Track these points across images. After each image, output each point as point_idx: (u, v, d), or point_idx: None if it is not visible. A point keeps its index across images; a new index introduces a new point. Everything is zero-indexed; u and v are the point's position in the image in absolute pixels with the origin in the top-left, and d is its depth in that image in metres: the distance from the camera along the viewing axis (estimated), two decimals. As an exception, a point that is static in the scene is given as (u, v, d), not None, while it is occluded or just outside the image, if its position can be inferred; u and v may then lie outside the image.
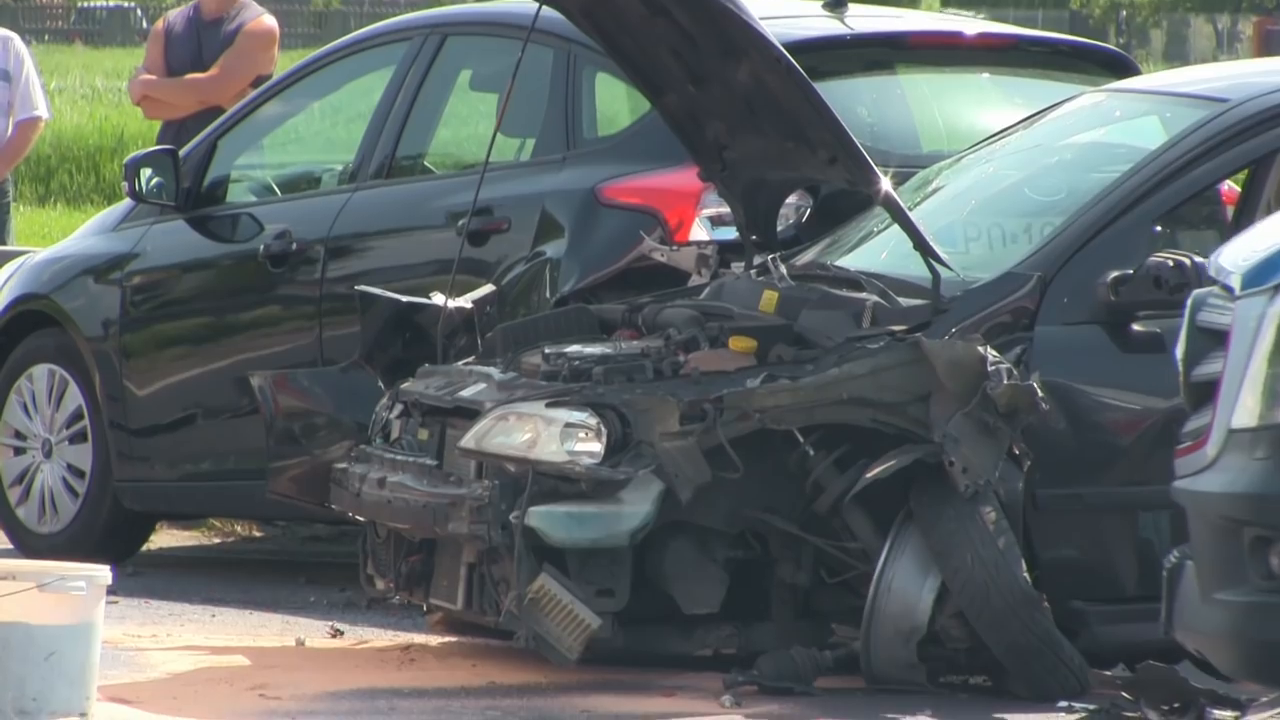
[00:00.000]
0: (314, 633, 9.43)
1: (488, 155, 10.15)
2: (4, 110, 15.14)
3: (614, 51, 9.68)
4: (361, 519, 9.04)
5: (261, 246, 11.18)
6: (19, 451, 12.53)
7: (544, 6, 9.24)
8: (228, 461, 11.25)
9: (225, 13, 14.93)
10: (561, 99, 10.74)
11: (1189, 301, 6.34)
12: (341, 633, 9.44)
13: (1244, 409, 5.61)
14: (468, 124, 12.01)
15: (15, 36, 16.02)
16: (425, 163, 11.85)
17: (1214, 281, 6.23)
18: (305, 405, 9.92)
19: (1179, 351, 6.30)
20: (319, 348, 10.95)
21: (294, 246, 11.19)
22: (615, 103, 10.92)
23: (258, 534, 12.61)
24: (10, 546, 11.92)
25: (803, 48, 9.93)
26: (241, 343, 11.19)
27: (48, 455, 12.18)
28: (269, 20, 14.95)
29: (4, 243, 14.86)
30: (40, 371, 12.68)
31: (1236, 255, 6.11)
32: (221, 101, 13.76)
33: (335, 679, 8.82)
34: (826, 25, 10.79)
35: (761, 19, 9.26)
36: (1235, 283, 5.75)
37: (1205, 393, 5.93)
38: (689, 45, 9.41)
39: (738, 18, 9.00)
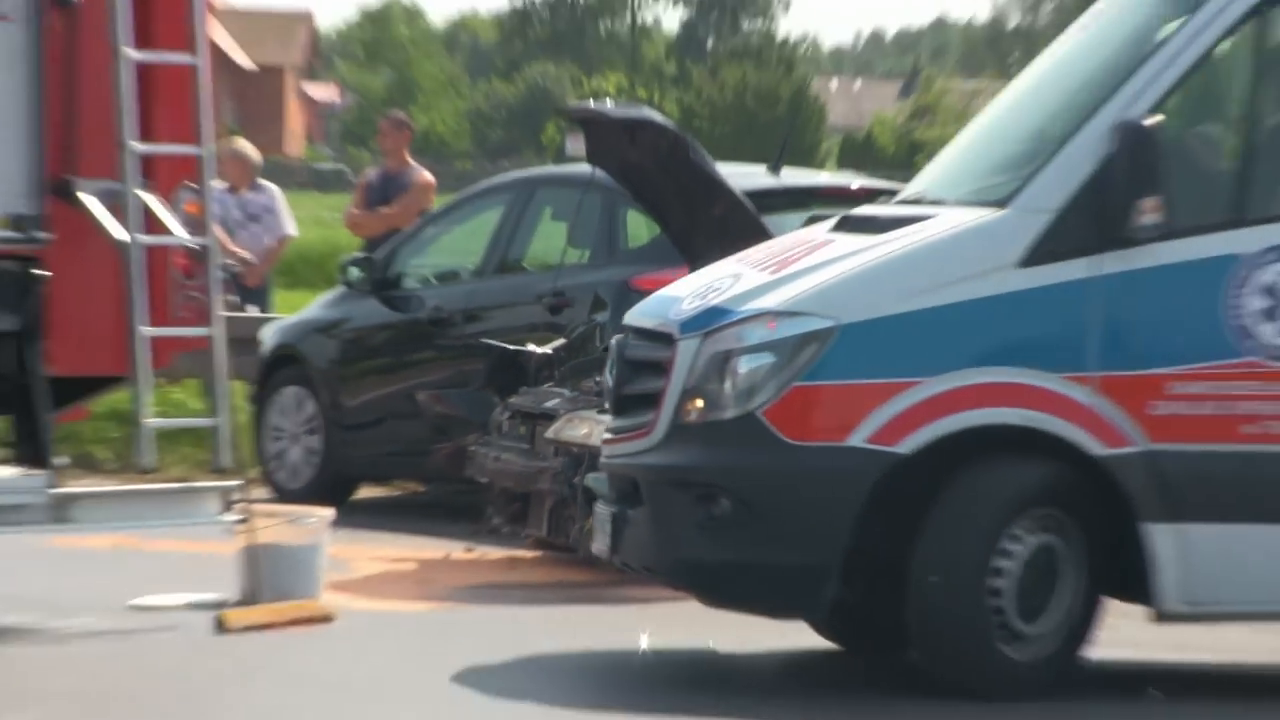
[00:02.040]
0: (456, 550, 12.40)
1: (562, 258, 13.45)
2: (270, 230, 18.27)
3: (639, 198, 12.54)
4: (485, 480, 12.09)
5: (424, 314, 14.76)
6: (277, 439, 16.30)
7: (596, 170, 12.20)
8: (403, 445, 14.58)
9: (402, 169, 18.57)
10: (607, 225, 14.18)
11: (614, 344, 8.75)
12: (473, 549, 12.45)
13: (684, 410, 7.69)
14: (549, 240, 14.77)
15: (273, 185, 20.29)
16: (523, 263, 15.42)
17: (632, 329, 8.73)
18: (450, 412, 13.45)
19: (610, 376, 8.67)
20: (459, 377, 13.98)
21: (443, 314, 14.74)
22: (639, 228, 14.23)
23: (421, 489, 15.94)
24: (272, 496, 14.80)
25: (753, 194, 12.69)
26: (411, 374, 14.78)
27: (294, 441, 16.04)
28: (429, 175, 19.12)
29: (267, 311, 17.77)
30: (289, 390, 16.44)
31: (670, 309, 8.27)
32: (400, 225, 17.32)
33: (469, 577, 11.89)
34: (768, 180, 14.09)
35: (728, 176, 12.55)
36: (675, 330, 7.91)
37: (637, 402, 8.20)
38: (685, 193, 11.79)
39: (713, 177, 11.99)
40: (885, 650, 8.57)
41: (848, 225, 8.67)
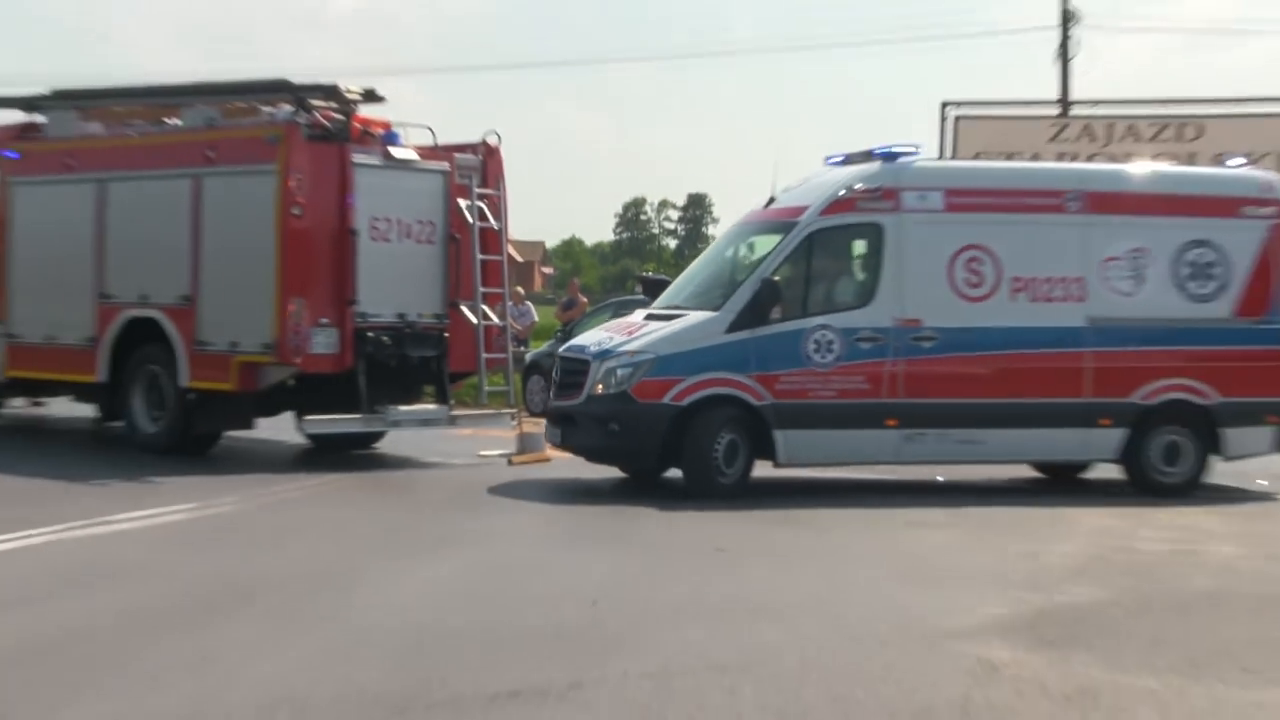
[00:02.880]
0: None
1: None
2: (527, 318, 30.34)
3: None
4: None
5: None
6: (531, 396, 26.07)
7: None
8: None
9: (574, 297, 31.44)
10: None
11: (557, 362, 17.56)
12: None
13: (594, 389, 16.02)
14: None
15: (529, 303, 33.32)
16: None
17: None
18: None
19: (556, 372, 17.29)
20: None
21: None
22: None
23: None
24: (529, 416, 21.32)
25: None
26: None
27: (538, 396, 25.53)
28: (584, 299, 30.91)
29: (526, 349, 28.98)
30: (535, 378, 26.55)
31: (585, 349, 16.78)
32: (574, 318, 29.77)
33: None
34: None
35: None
36: (590, 358, 16.23)
37: (569, 385, 16.48)
38: None
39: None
40: (686, 480, 16.14)
41: (657, 318, 16.32)
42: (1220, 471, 17.31)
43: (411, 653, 8.63)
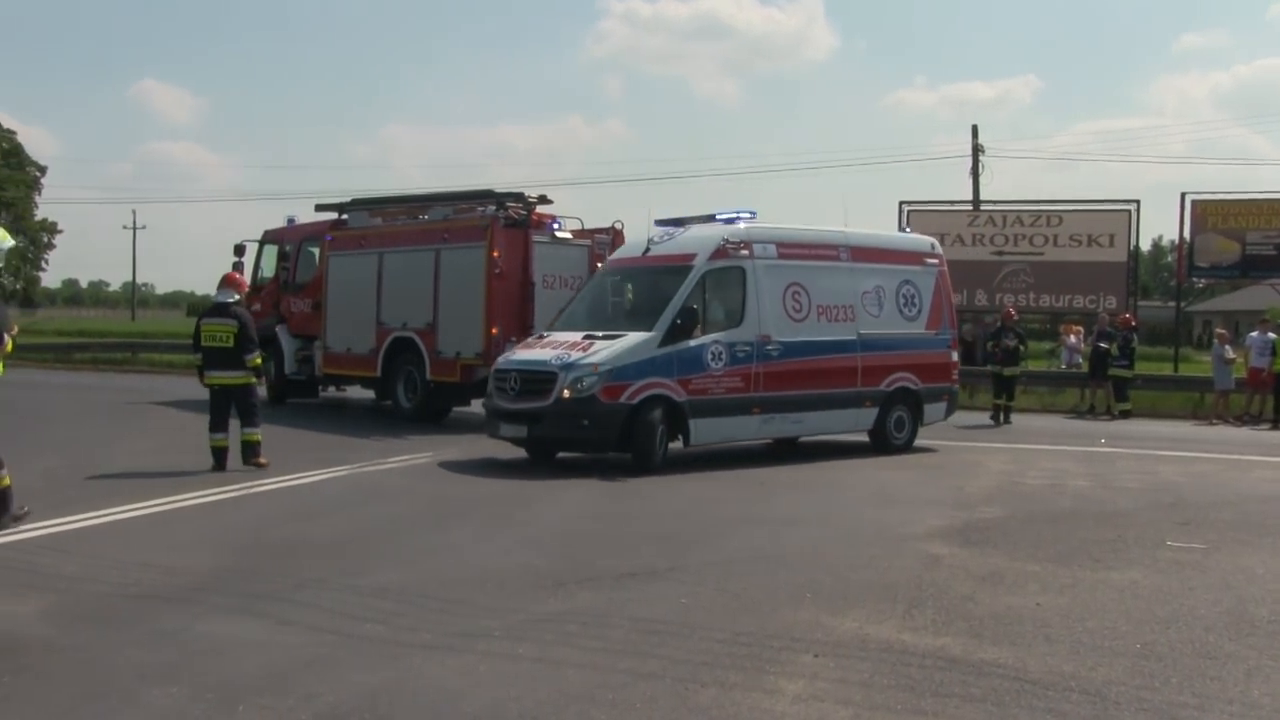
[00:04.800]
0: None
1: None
2: None
3: None
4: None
5: None
6: None
7: None
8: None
9: None
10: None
11: (511, 374, 13.52)
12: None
13: (563, 393, 12.91)
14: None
15: None
16: None
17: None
18: None
19: (513, 381, 13.44)
20: None
21: None
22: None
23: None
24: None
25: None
26: None
27: None
28: None
29: None
30: None
31: (547, 363, 13.23)
32: None
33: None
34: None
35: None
36: (558, 369, 13.01)
37: (533, 391, 13.17)
38: None
39: None
40: (634, 460, 13.39)
41: (600, 338, 13.50)
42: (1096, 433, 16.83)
43: (566, 546, 8.83)
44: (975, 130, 37.10)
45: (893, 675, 5.46)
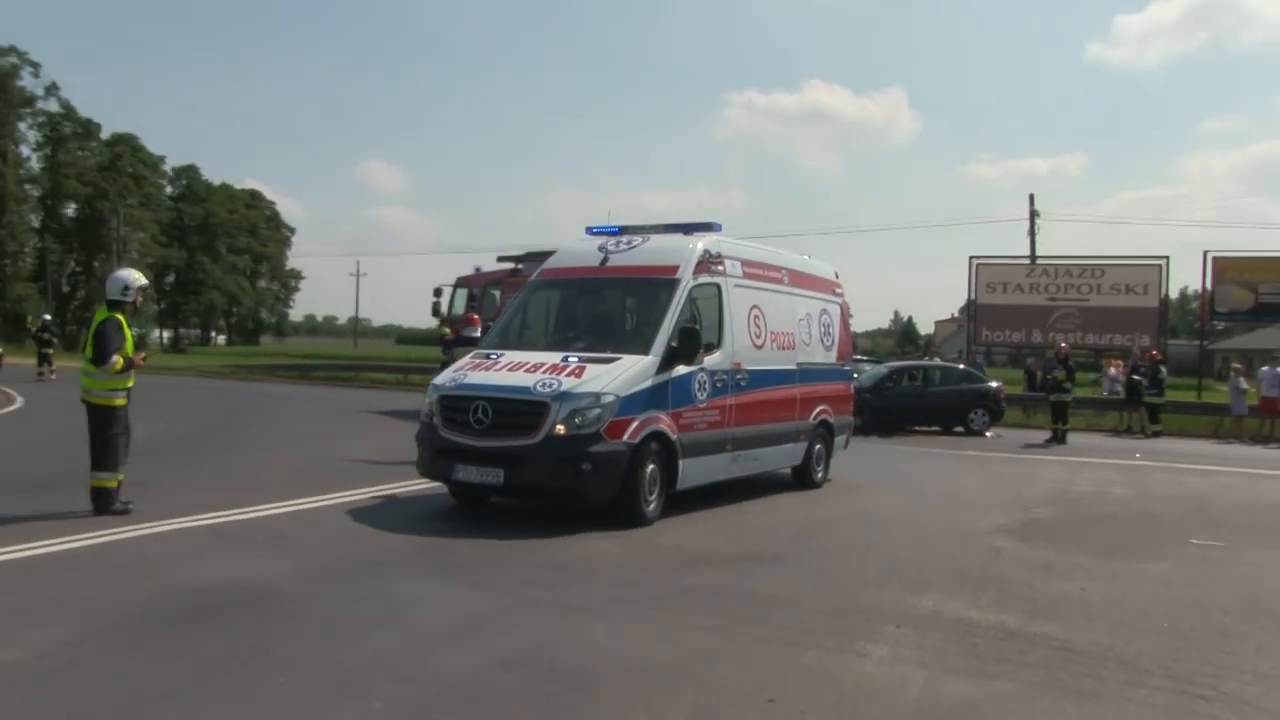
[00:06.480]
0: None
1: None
2: None
3: None
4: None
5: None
6: None
7: None
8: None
9: None
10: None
11: (482, 404, 8.49)
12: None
13: (555, 428, 8.19)
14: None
15: None
16: None
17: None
18: None
19: (485, 416, 8.48)
20: None
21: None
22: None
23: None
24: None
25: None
26: None
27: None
28: None
29: None
30: None
31: (530, 391, 8.40)
32: None
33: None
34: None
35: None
36: (547, 399, 8.26)
37: (512, 423, 8.35)
38: None
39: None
40: (615, 509, 8.52)
41: (588, 360, 8.84)
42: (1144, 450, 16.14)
43: (703, 539, 8.63)
44: (1032, 198, 36.24)
45: (961, 644, 5.36)
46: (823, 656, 5.07)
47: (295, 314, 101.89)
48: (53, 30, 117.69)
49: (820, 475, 12.14)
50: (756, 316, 10.62)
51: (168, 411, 18.40)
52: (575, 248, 10.74)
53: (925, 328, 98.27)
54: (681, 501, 9.36)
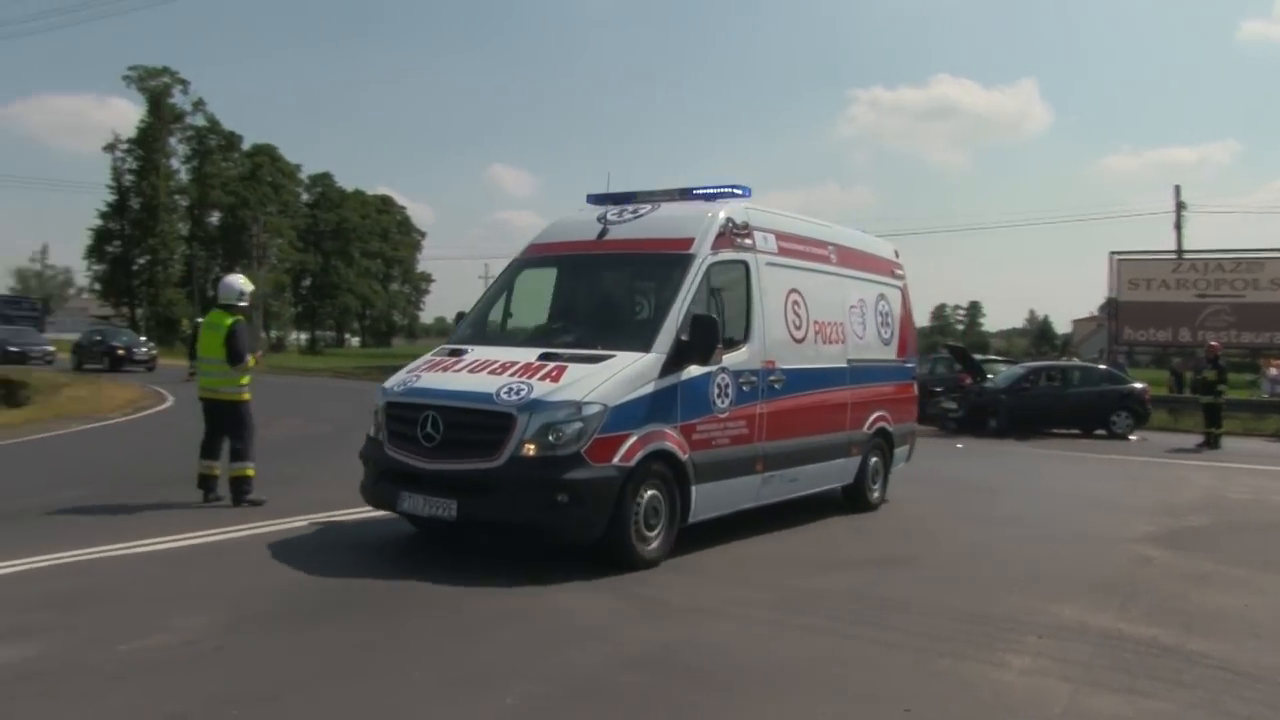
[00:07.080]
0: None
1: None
2: None
3: None
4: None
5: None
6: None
7: None
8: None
9: None
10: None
11: (433, 415, 6.66)
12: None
13: (522, 448, 6.33)
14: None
15: None
16: None
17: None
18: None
19: (430, 423, 6.65)
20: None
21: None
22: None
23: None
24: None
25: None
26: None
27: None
28: None
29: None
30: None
31: (492, 399, 6.50)
32: None
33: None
34: None
35: None
36: (513, 410, 6.38)
37: (468, 439, 6.53)
38: None
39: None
40: (602, 550, 6.67)
41: (570, 359, 7.02)
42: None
43: (826, 539, 8.55)
44: (1178, 190, 34.65)
45: (1110, 658, 5.08)
46: (957, 664, 4.91)
47: (426, 316, 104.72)
48: (197, 42, 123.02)
49: (877, 494, 10.08)
50: (795, 303, 8.60)
51: (307, 410, 19.02)
52: (572, 219, 8.70)
53: (1062, 327, 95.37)
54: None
